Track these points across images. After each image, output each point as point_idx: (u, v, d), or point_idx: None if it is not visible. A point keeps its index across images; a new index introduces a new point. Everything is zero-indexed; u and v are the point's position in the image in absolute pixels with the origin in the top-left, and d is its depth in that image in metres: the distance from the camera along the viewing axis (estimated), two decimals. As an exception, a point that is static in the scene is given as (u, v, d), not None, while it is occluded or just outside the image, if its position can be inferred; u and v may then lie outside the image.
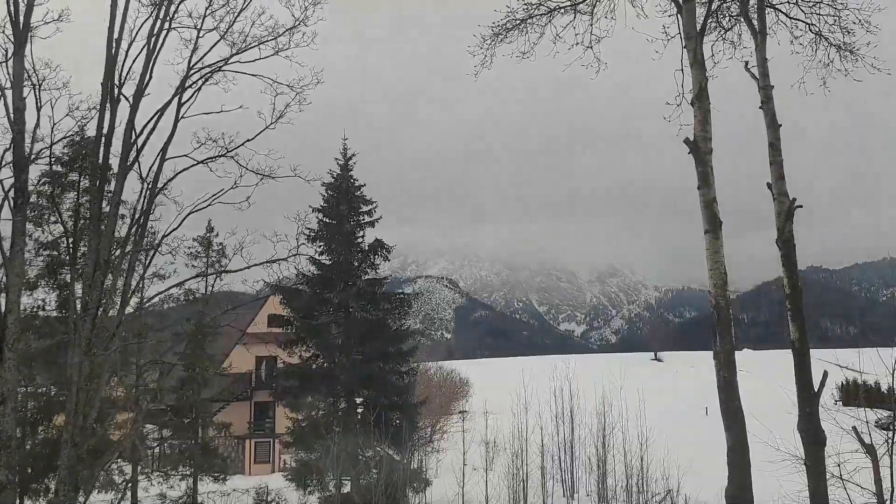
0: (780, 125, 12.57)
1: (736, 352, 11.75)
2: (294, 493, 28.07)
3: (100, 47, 13.46)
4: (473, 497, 26.24)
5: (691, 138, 11.86)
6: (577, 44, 13.27)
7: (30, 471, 21.41)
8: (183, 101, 14.32)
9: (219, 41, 14.55)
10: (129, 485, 25.51)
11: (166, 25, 13.88)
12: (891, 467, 11.09)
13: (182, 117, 14.29)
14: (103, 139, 13.45)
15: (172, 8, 13.92)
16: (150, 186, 14.03)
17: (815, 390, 11.67)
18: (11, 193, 12.62)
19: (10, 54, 12.78)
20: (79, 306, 13.04)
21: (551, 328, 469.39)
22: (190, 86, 14.34)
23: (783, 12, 13.60)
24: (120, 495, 24.92)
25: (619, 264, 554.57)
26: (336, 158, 29.64)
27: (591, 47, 13.34)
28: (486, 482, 25.62)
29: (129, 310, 15.42)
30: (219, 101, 14.70)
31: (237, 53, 14.64)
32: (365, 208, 29.48)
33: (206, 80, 14.55)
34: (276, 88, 14.95)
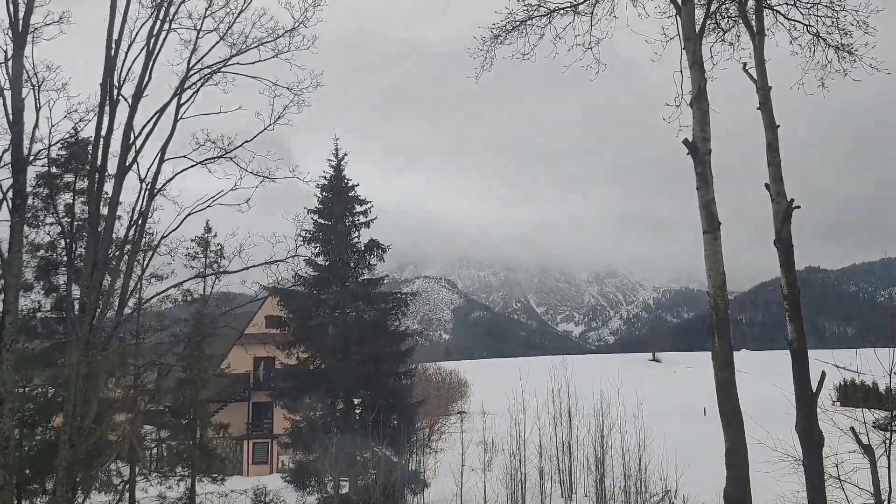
0: (779, 126, 12.60)
1: (734, 352, 11.79)
2: (292, 494, 28.02)
3: (99, 49, 13.47)
4: (471, 497, 26.22)
5: (690, 139, 11.89)
6: (577, 45, 13.31)
7: (27, 472, 21.33)
8: (182, 101, 14.34)
9: (218, 42, 14.59)
10: (128, 486, 25.44)
11: (166, 26, 13.90)
12: (888, 468, 11.11)
13: (181, 118, 14.30)
14: (102, 140, 13.44)
15: (172, 9, 13.95)
16: (148, 187, 14.03)
17: (813, 391, 11.70)
18: (10, 195, 12.59)
19: (9, 55, 12.76)
20: (77, 307, 13.01)
21: (549, 329, 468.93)
22: (189, 87, 14.36)
23: (781, 14, 13.63)
24: (118, 496, 24.85)
25: (617, 265, 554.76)
26: (328, 159, 29.36)
27: (591, 48, 13.38)
28: (485, 483, 25.60)
29: (127, 310, 15.40)
30: (218, 102, 14.74)
31: (237, 55, 14.68)
32: (360, 208, 29.35)
33: (206, 81, 14.57)
34: (276, 91, 14.98)
